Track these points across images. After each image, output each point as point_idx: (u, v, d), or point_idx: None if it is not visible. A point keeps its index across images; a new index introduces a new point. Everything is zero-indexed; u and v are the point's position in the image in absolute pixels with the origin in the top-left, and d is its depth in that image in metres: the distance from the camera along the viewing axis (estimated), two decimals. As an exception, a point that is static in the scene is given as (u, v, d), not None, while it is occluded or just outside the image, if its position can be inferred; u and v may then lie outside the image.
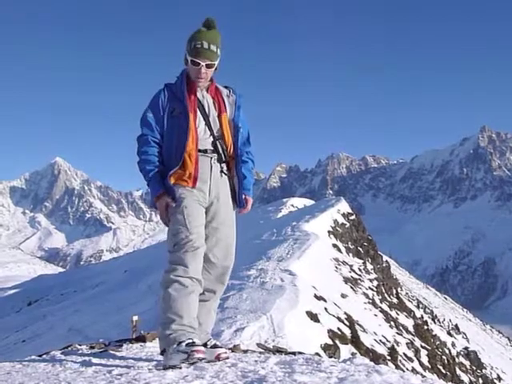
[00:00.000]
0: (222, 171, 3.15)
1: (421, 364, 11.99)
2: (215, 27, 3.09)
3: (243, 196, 3.23)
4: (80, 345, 4.07)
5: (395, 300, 19.20)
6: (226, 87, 3.30)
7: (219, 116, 3.16)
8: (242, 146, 3.23)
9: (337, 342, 8.06)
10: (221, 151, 3.14)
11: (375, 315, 13.17)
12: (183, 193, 3.00)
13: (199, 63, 3.05)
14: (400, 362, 10.30)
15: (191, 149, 3.01)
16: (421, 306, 31.14)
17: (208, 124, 3.12)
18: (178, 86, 3.13)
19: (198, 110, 3.11)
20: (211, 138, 3.12)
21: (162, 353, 2.88)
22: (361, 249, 21.76)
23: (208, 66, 3.08)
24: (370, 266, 20.34)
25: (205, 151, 3.09)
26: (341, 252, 18.74)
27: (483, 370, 22.09)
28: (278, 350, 4.21)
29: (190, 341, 2.77)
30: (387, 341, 11.05)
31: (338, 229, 21.79)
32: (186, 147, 3.00)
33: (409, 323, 16.25)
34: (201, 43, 3.03)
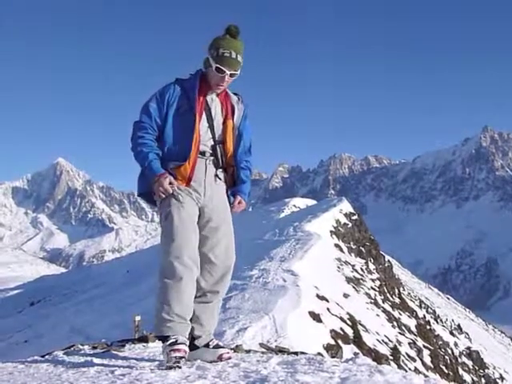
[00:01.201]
0: (216, 175, 3.14)
1: (423, 364, 11.99)
2: (239, 35, 3.08)
3: (238, 197, 3.22)
4: (82, 345, 4.07)
5: (397, 300, 19.19)
6: (235, 94, 3.29)
7: (224, 122, 3.16)
8: (243, 155, 3.23)
9: (339, 341, 8.06)
10: (219, 156, 3.14)
11: (377, 315, 13.17)
12: (176, 189, 3.02)
13: (224, 71, 3.04)
14: (402, 361, 10.29)
15: (193, 152, 3.01)
16: (423, 305, 31.12)
17: (211, 127, 3.12)
18: (191, 85, 3.12)
19: (204, 112, 3.10)
20: (211, 142, 3.12)
21: (158, 338, 2.94)
22: (363, 249, 21.73)
23: (231, 75, 3.08)
24: (372, 266, 20.33)
25: (203, 153, 3.09)
26: (343, 252, 18.73)
27: (485, 370, 22.06)
28: (280, 350, 4.20)
29: (174, 340, 2.79)
30: (389, 341, 11.04)
31: (340, 229, 21.78)
32: (189, 152, 3.00)
33: (411, 323, 16.23)
34: (229, 52, 3.02)
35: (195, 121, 3.02)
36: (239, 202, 3.23)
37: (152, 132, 3.05)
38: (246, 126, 3.26)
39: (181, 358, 2.76)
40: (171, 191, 2.97)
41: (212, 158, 3.12)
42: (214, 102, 3.17)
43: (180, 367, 2.70)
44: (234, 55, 3.03)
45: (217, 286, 3.14)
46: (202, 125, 3.08)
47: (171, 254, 2.92)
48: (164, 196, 2.98)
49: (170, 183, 2.96)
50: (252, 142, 3.35)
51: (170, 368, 2.69)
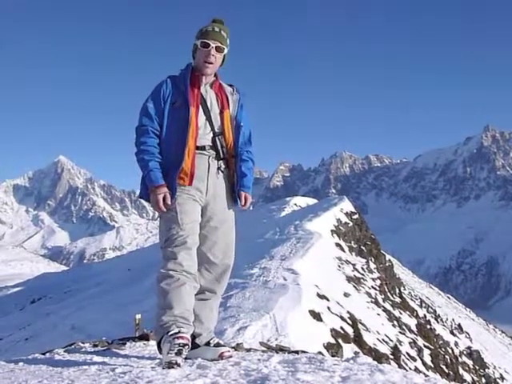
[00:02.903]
0: (219, 168, 3.12)
1: (424, 363, 11.97)
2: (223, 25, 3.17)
3: (242, 194, 3.18)
4: (83, 343, 4.07)
5: (398, 299, 19.17)
6: (229, 85, 3.27)
7: (221, 112, 3.13)
8: (243, 145, 3.20)
9: (340, 341, 8.05)
10: (219, 148, 3.10)
11: (378, 314, 13.15)
12: (178, 191, 2.99)
13: (209, 44, 3.04)
14: (403, 361, 10.28)
15: (190, 145, 2.99)
16: (424, 305, 31.10)
17: (209, 119, 3.09)
18: (182, 78, 3.11)
19: (200, 104, 3.08)
20: (211, 134, 3.09)
21: (158, 345, 2.87)
22: (364, 248, 21.70)
23: (217, 50, 3.06)
24: (372, 265, 20.29)
25: (203, 148, 3.06)
26: (344, 251, 18.70)
27: (486, 370, 22.03)
28: (280, 349, 4.20)
29: (176, 330, 2.75)
30: (390, 340, 11.03)
31: (341, 228, 21.74)
32: (186, 144, 2.97)
33: (412, 322, 16.21)
34: (212, 27, 3.09)
35: (190, 114, 2.99)
36: (245, 198, 3.21)
37: (154, 135, 3.03)
38: (243, 115, 3.22)
39: (184, 345, 2.69)
40: (164, 210, 2.94)
41: (213, 152, 3.09)
42: (209, 93, 3.14)
43: (179, 365, 2.65)
44: (217, 29, 3.08)
45: (215, 284, 3.14)
46: (200, 118, 3.05)
47: (171, 261, 2.90)
48: (158, 211, 2.97)
49: (164, 199, 2.93)
50: (252, 132, 3.31)
51: (170, 363, 2.65)
